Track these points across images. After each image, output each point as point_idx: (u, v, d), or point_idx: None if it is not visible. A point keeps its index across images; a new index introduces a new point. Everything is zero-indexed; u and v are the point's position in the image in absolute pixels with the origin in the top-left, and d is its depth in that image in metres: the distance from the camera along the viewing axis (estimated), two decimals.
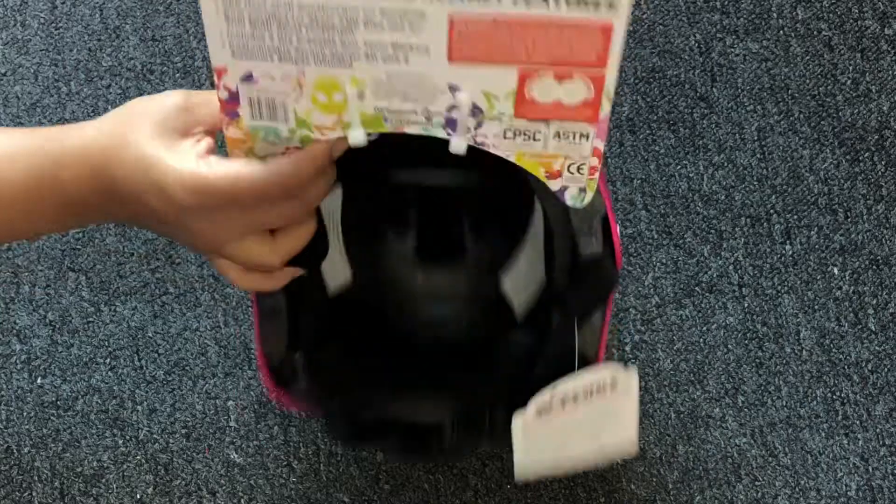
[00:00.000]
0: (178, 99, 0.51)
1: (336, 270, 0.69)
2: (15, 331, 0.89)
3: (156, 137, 0.49)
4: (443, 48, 0.46)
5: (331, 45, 0.46)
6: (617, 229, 0.56)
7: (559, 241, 0.57)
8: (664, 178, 0.88)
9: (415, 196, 0.71)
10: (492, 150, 0.50)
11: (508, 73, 0.46)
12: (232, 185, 0.48)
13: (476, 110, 0.48)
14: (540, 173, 0.50)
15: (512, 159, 0.50)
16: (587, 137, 0.48)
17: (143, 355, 0.88)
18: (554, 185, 0.51)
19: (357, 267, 0.71)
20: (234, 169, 0.49)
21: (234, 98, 0.48)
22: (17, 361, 0.88)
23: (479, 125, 0.48)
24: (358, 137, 0.49)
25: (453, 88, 0.47)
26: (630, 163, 0.88)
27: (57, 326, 0.88)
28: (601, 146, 0.49)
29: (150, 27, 0.91)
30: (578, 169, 0.50)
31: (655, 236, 0.87)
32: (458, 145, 0.49)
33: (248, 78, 0.48)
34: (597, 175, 0.50)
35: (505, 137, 0.49)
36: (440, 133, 0.49)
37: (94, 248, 0.89)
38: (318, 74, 0.47)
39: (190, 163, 0.48)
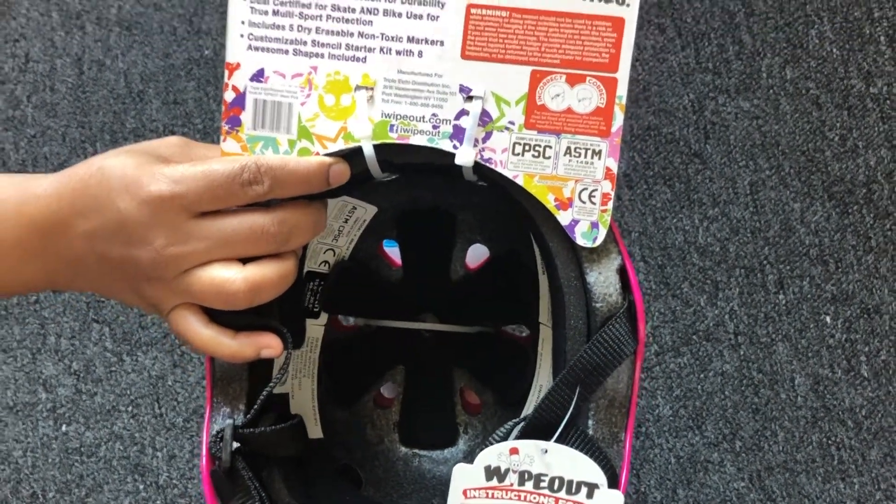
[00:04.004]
0: (176, 138, 0.49)
1: (306, 420, 0.58)
2: (41, 380, 0.90)
3: (139, 154, 0.45)
4: (457, 42, 0.45)
5: (348, 36, 0.46)
6: (639, 288, 0.48)
7: (571, 297, 0.47)
8: (661, 231, 0.89)
9: (403, 351, 0.62)
10: (498, 169, 0.46)
11: (521, 73, 0.45)
12: (207, 171, 0.44)
13: (485, 117, 0.46)
14: (549, 202, 0.46)
15: (519, 182, 0.46)
16: (599, 155, 0.46)
17: (164, 403, 0.89)
18: (564, 218, 0.46)
19: (329, 429, 0.60)
20: (211, 159, 0.45)
21: (239, 100, 0.47)
22: (43, 409, 0.89)
23: (487, 137, 0.46)
24: (368, 148, 0.46)
25: (464, 91, 0.45)
26: (628, 216, 0.89)
27: (81, 375, 0.89)
28: (614, 168, 0.46)
29: (172, 91, 0.94)
30: (591, 196, 0.46)
31: (654, 287, 0.88)
32: (464, 156, 0.45)
33: (258, 75, 0.46)
34: (609, 206, 0.46)
35: (514, 153, 0.46)
36: (446, 145, 0.46)
37: (118, 301, 0.90)
38: (330, 70, 0.46)
39: (166, 164, 0.45)
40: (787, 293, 0.87)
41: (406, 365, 0.63)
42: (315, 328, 0.60)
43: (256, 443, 0.48)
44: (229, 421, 0.48)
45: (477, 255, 0.62)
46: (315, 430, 0.59)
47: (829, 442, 0.85)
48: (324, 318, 0.60)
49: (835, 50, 0.91)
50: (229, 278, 0.44)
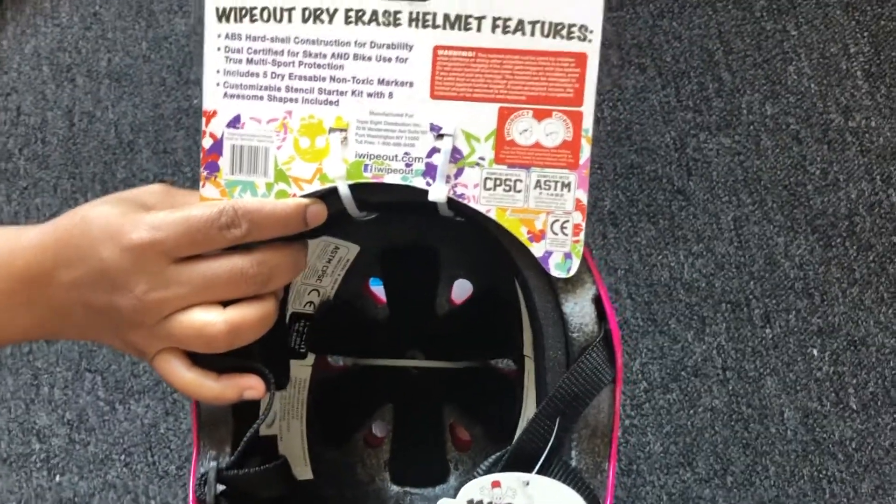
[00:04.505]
0: (158, 185, 0.50)
1: (295, 461, 0.59)
2: (35, 430, 0.90)
3: (121, 203, 0.46)
4: (426, 82, 0.46)
5: (320, 81, 0.47)
6: (614, 317, 0.49)
7: (548, 328, 0.48)
8: (647, 268, 0.89)
9: (391, 387, 0.62)
10: (471, 204, 0.47)
11: (489, 110, 0.46)
12: (186, 216, 0.45)
13: (456, 154, 0.47)
14: (522, 234, 0.47)
15: (492, 216, 0.47)
16: (568, 187, 0.46)
17: (156, 451, 0.89)
18: (537, 251, 0.47)
19: (320, 470, 0.60)
20: (190, 205, 0.46)
21: (217, 147, 0.48)
22: (37, 460, 0.89)
23: (458, 173, 0.47)
24: (343, 187, 0.47)
25: (435, 129, 0.47)
26: (613, 254, 0.90)
27: (74, 425, 0.90)
28: (584, 199, 0.47)
29: (161, 140, 0.95)
30: (562, 227, 0.47)
31: (641, 323, 0.88)
32: (437, 192, 0.46)
33: (234, 122, 0.48)
34: (581, 236, 0.47)
35: (485, 188, 0.47)
36: (419, 182, 0.47)
37: (110, 350, 0.91)
38: (304, 114, 0.47)
39: (147, 212, 0.46)
40: (774, 327, 0.87)
41: (395, 402, 0.63)
42: (302, 369, 0.60)
43: (241, 484, 0.48)
44: (213, 464, 0.48)
45: (464, 290, 0.63)
46: (305, 472, 0.59)
47: (821, 475, 0.85)
48: (311, 358, 0.60)
49: (813, 85, 0.92)
50: (210, 321, 0.45)
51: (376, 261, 0.61)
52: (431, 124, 0.47)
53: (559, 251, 0.47)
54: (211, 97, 0.48)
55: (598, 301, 0.48)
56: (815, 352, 0.87)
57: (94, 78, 0.97)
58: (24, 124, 0.96)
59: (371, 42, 0.46)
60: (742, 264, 0.89)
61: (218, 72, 0.47)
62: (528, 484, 0.46)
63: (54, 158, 0.95)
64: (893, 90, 0.91)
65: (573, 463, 0.47)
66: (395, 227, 0.59)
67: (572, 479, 0.47)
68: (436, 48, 0.46)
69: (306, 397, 0.60)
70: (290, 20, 0.47)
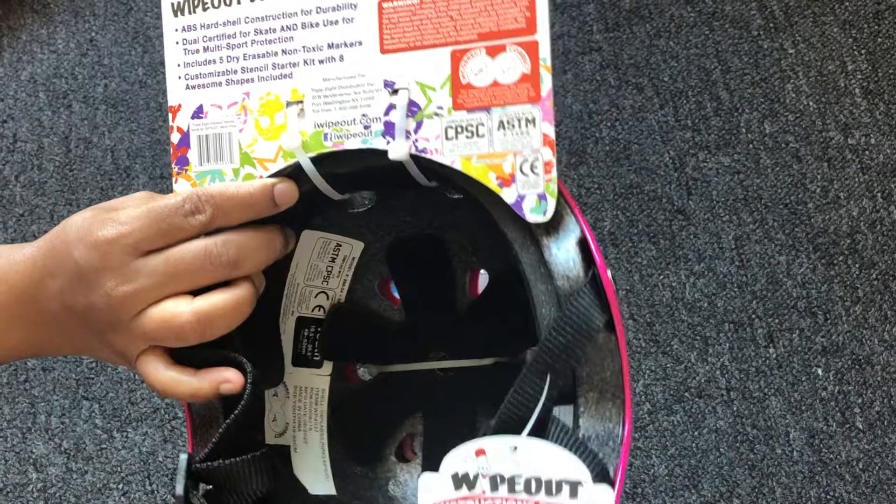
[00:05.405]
0: (141, 192, 0.50)
1: (315, 475, 0.57)
2: (31, 460, 0.89)
3: (99, 208, 0.46)
4: (374, 39, 0.45)
5: (273, 56, 0.47)
6: (602, 257, 0.44)
7: (537, 283, 0.44)
8: (648, 289, 0.89)
9: (418, 395, 0.59)
10: (434, 157, 0.44)
11: (440, 56, 0.45)
12: (150, 208, 0.44)
13: (414, 107, 0.45)
14: (491, 181, 0.44)
15: (458, 167, 0.44)
16: (533, 123, 0.44)
17: (154, 479, 0.88)
18: (509, 196, 0.44)
19: (343, 486, 0.56)
20: (155, 196, 0.46)
21: (184, 140, 0.48)
22: (34, 490, 0.88)
23: (418, 126, 0.45)
24: (303, 158, 0.46)
25: (388, 85, 0.45)
26: (615, 275, 0.89)
27: (72, 454, 0.88)
28: (551, 133, 0.43)
29: (158, 165, 0.94)
30: (532, 167, 0.44)
31: (643, 344, 0.88)
32: (397, 149, 0.44)
33: (198, 112, 0.48)
34: (554, 174, 0.43)
35: (447, 138, 0.44)
36: (380, 143, 0.45)
37: (107, 377, 0.89)
38: (262, 92, 0.47)
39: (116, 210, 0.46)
40: (778, 347, 0.87)
41: (424, 410, 0.59)
42: (319, 379, 0.57)
43: (216, 478, 0.46)
44: (184, 456, 0.46)
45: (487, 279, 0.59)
46: (327, 486, 0.56)
47: (828, 497, 0.83)
48: (327, 367, 0.57)
49: (811, 103, 0.91)
50: (177, 312, 0.44)
51: (383, 256, 0.58)
52: (385, 80, 0.45)
53: (532, 193, 0.44)
54: (174, 92, 0.48)
55: (583, 244, 0.44)
56: (819, 371, 0.86)
57: (91, 104, 0.97)
58: (21, 151, 0.96)
59: (317, 8, 0.46)
60: (744, 283, 0.88)
61: (178, 65, 0.48)
62: (515, 449, 0.41)
63: (51, 185, 0.95)
64: (892, 107, 0.91)
65: (581, 432, 0.43)
66: (390, 214, 0.56)
67: (571, 441, 0.42)
68: (380, 2, 0.45)
69: (326, 409, 0.57)
70: (239, 2, 0.47)
